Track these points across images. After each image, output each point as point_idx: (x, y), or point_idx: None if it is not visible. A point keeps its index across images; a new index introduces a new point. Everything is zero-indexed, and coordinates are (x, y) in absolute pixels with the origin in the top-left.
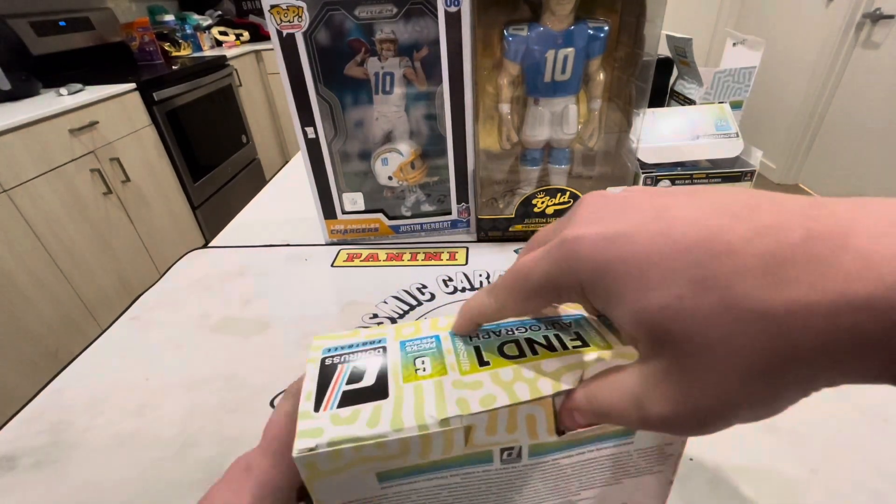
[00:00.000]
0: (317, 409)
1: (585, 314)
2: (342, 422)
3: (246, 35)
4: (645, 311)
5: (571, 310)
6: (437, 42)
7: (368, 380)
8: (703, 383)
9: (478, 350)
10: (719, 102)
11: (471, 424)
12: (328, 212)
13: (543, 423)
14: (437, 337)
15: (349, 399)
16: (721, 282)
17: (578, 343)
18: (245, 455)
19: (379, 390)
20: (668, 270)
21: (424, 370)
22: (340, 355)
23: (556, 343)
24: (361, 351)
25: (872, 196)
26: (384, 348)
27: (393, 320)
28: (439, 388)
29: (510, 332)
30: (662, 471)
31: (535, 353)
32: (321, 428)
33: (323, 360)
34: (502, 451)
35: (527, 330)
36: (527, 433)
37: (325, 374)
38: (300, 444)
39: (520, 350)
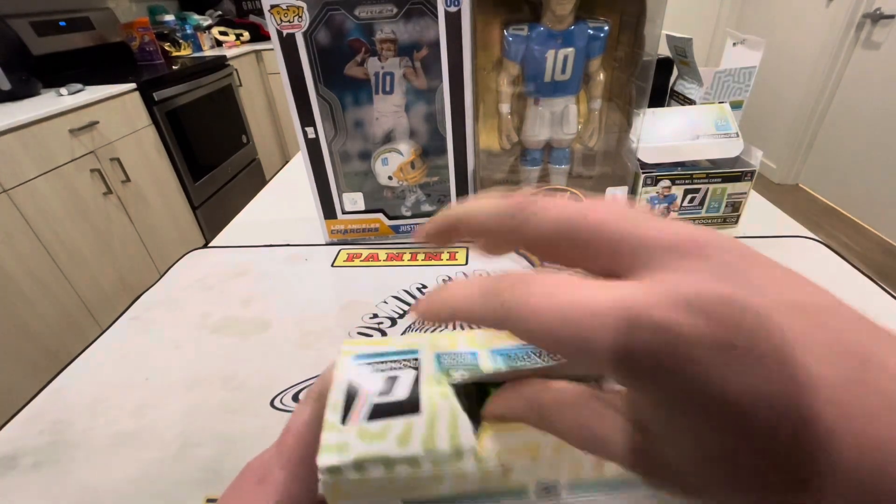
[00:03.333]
0: (343, 421)
1: None
2: (371, 437)
3: (246, 35)
4: None
5: None
6: (437, 42)
7: (401, 392)
8: None
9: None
10: (719, 102)
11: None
12: (328, 212)
13: (588, 457)
14: (476, 353)
15: (380, 412)
16: None
17: None
18: (258, 462)
19: (411, 404)
20: None
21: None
22: (371, 364)
23: None
24: (393, 361)
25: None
26: (417, 359)
27: (393, 321)
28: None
29: None
30: None
31: None
32: (347, 442)
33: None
34: (538, 484)
35: None
36: (567, 469)
37: (355, 384)
38: (323, 460)
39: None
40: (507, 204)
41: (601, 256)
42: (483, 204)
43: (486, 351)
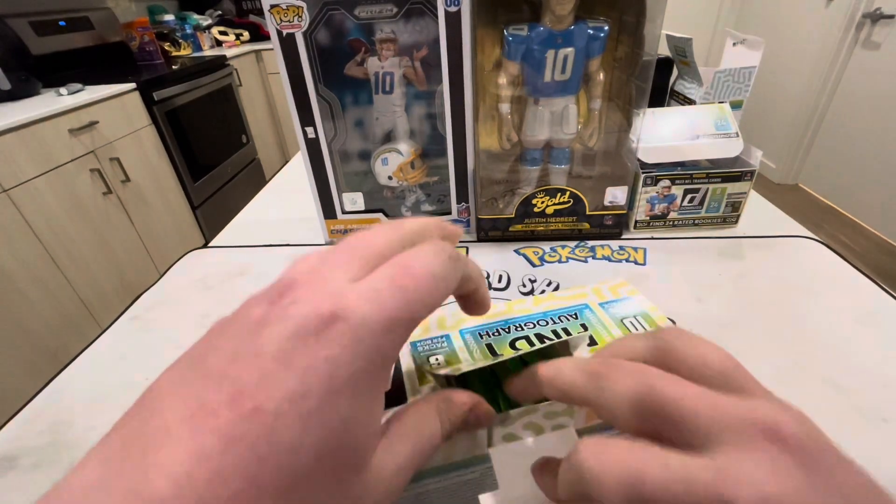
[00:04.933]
0: None
1: (589, 303)
2: None
3: (246, 35)
4: None
5: (580, 299)
6: (437, 42)
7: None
8: None
9: (490, 347)
10: (719, 102)
11: (493, 428)
12: (328, 212)
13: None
14: (448, 336)
15: None
16: None
17: (584, 333)
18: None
19: (396, 396)
20: None
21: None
22: None
23: (563, 336)
24: None
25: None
26: None
27: None
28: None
29: (520, 328)
30: None
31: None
32: None
33: None
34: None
35: (535, 325)
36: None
37: None
38: None
39: (530, 345)
40: (586, 372)
41: (676, 433)
42: (565, 371)
43: (456, 332)
